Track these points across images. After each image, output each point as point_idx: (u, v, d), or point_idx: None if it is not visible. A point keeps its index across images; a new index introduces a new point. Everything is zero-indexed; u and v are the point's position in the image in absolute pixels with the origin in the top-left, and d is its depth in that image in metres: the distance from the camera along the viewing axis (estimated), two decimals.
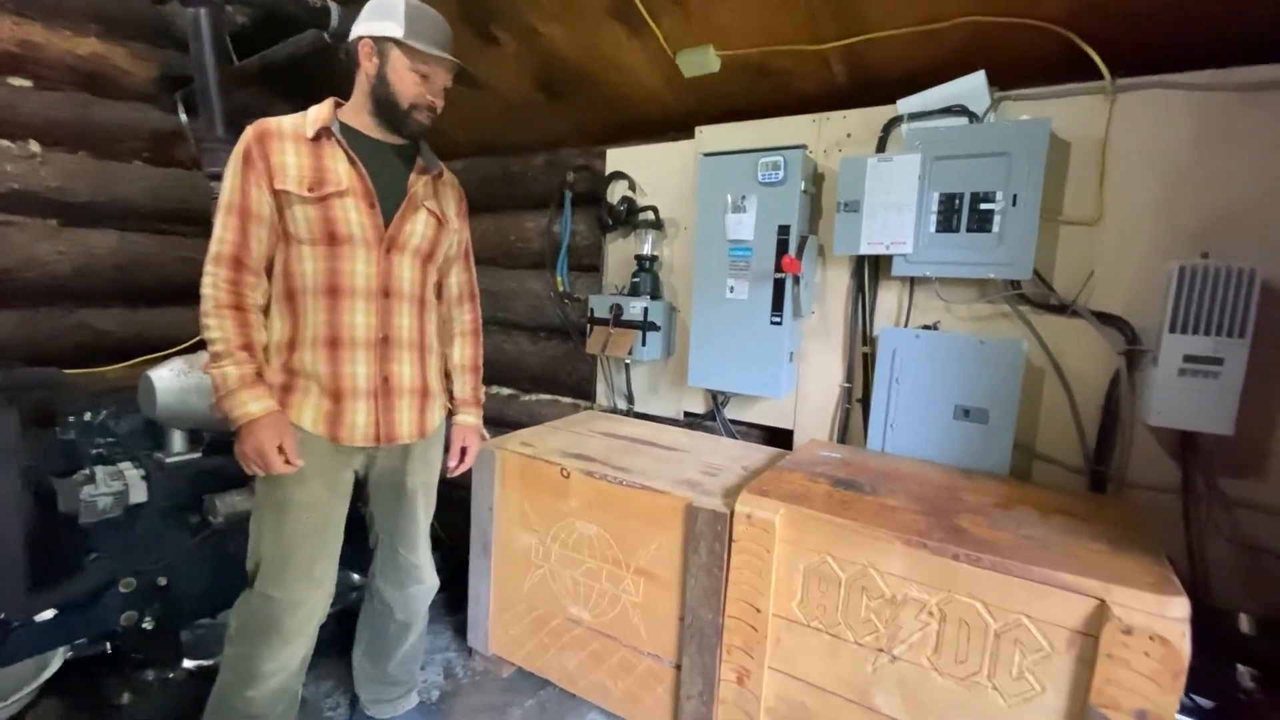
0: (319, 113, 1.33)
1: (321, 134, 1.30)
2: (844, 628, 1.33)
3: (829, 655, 1.36)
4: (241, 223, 1.26)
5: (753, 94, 2.16)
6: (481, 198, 3.04)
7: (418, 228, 1.41)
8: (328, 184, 1.29)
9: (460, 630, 2.06)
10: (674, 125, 2.36)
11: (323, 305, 1.31)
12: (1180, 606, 1.01)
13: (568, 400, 2.84)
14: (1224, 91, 1.50)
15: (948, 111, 1.77)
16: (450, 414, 1.62)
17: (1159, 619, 1.01)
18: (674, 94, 2.29)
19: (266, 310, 1.34)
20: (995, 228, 1.68)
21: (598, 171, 2.57)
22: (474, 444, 1.63)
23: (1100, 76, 1.60)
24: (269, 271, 1.32)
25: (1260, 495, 1.52)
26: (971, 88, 1.74)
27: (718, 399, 2.26)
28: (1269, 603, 1.52)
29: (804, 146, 1.93)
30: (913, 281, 1.90)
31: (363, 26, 1.32)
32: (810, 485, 1.51)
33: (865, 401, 1.96)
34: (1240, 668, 1.58)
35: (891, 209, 1.80)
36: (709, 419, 2.32)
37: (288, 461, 1.26)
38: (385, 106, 1.34)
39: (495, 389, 3.04)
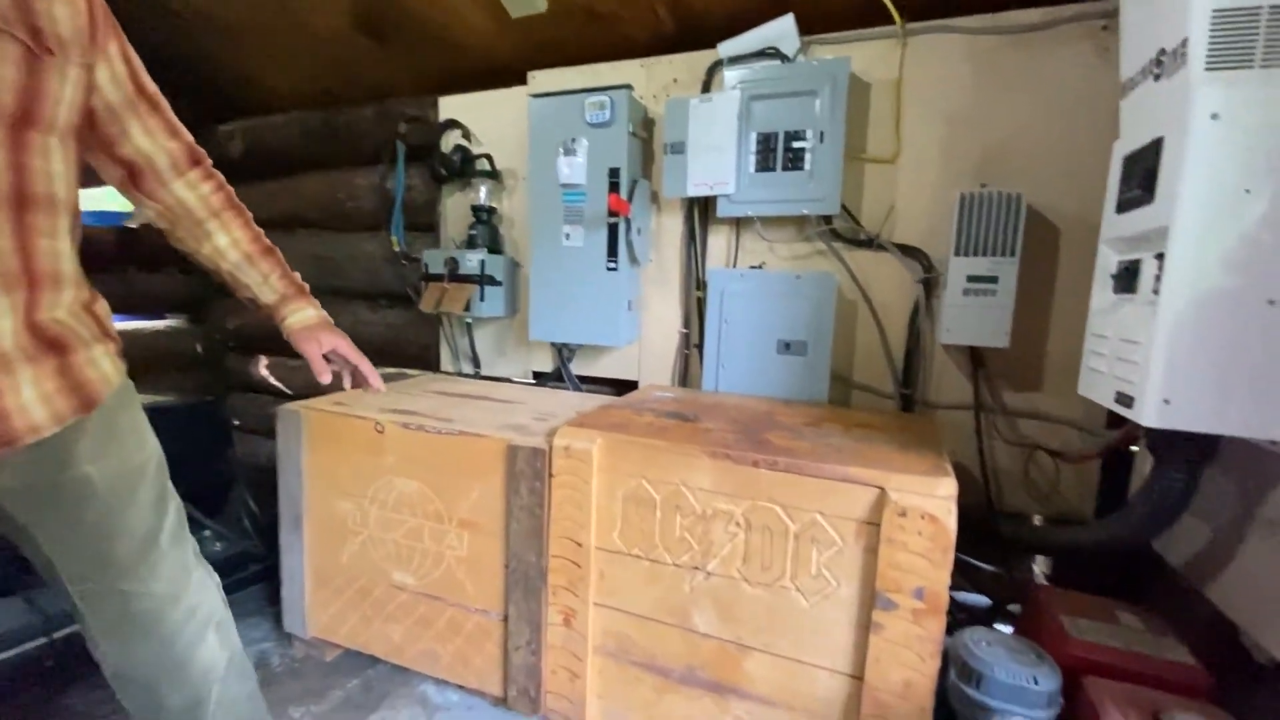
0: None
1: None
2: (661, 550, 1.31)
3: (649, 582, 1.33)
4: None
5: (583, 39, 2.11)
6: (306, 154, 2.78)
7: None
8: None
9: (281, 617, 1.85)
10: (507, 72, 2.26)
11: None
12: (947, 486, 1.07)
13: (414, 372, 2.66)
14: (996, 34, 1.64)
15: (762, 55, 1.81)
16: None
17: (929, 499, 1.07)
18: (505, 39, 2.19)
19: None
20: (807, 165, 1.74)
21: (431, 122, 2.41)
22: (340, 343, 1.14)
23: (893, 21, 1.70)
24: None
25: (1036, 405, 1.68)
26: (782, 30, 1.79)
27: (563, 354, 2.20)
28: (1052, 503, 1.69)
29: (629, 86, 1.91)
30: (738, 224, 1.94)
31: None
32: (633, 418, 1.48)
33: (701, 349, 1.97)
34: (1037, 558, 1.76)
35: (714, 150, 1.82)
36: (557, 377, 2.25)
37: None
38: None
39: None
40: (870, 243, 1.79)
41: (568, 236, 2.00)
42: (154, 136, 0.95)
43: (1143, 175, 1.04)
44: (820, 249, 1.86)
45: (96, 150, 0.93)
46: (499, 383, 2.21)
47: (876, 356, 1.83)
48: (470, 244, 2.20)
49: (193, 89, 2.81)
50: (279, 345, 1.92)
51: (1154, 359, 0.96)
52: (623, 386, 2.18)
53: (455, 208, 2.39)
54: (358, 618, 1.67)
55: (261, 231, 1.10)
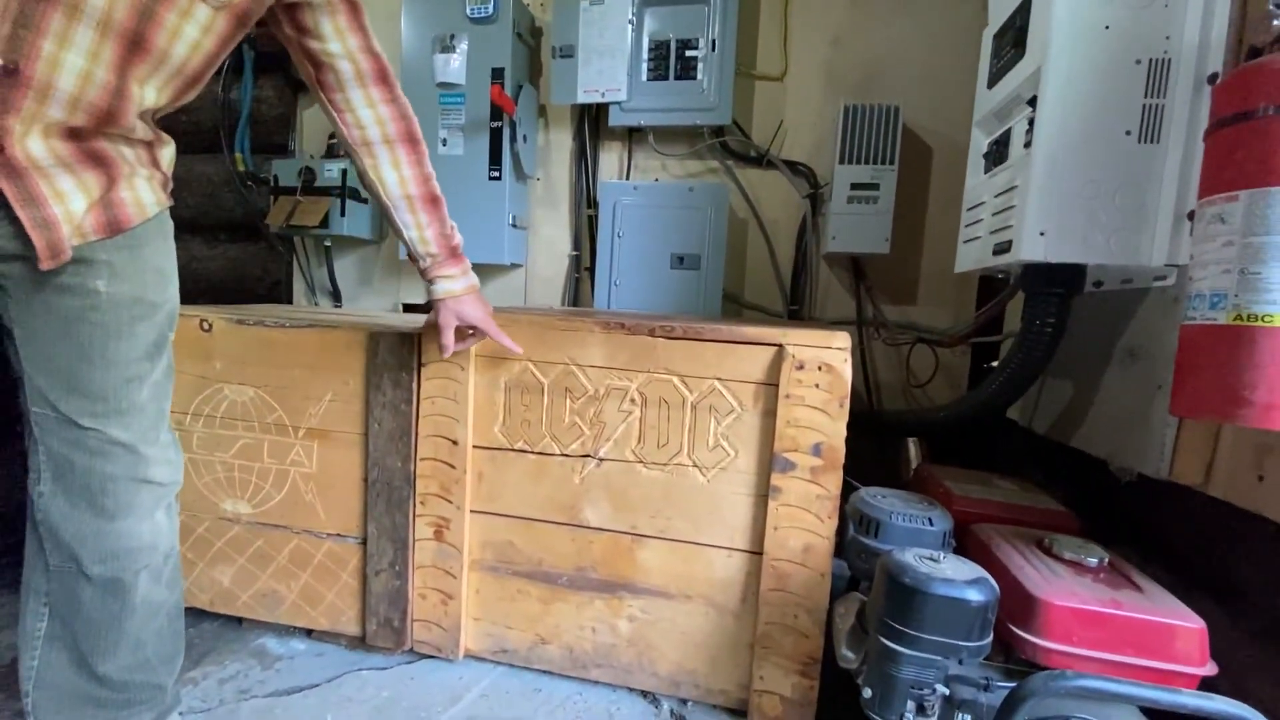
0: None
1: None
2: (550, 440, 1.18)
3: (536, 478, 1.19)
4: None
5: None
6: None
7: None
8: None
9: None
10: None
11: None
12: (842, 339, 1.04)
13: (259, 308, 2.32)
14: None
15: None
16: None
17: (825, 350, 1.03)
18: None
19: None
20: (699, 74, 1.71)
21: None
22: (481, 316, 1.06)
23: None
24: None
25: (912, 317, 1.75)
26: None
27: None
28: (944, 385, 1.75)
29: None
30: (630, 137, 1.87)
31: None
32: (518, 314, 1.34)
33: (593, 270, 1.87)
34: (911, 444, 1.78)
35: (605, 55, 1.74)
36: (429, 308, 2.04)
37: None
38: None
39: None
40: (760, 160, 1.79)
41: (444, 143, 1.83)
42: (344, 39, 0.91)
43: (1014, 36, 1.09)
44: (713, 166, 1.83)
45: (291, 41, 0.91)
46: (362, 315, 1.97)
47: (766, 275, 1.83)
48: (330, 153, 1.95)
49: None
50: None
51: (1030, 197, 0.99)
52: None
53: (313, 121, 2.13)
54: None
55: (434, 175, 1.03)
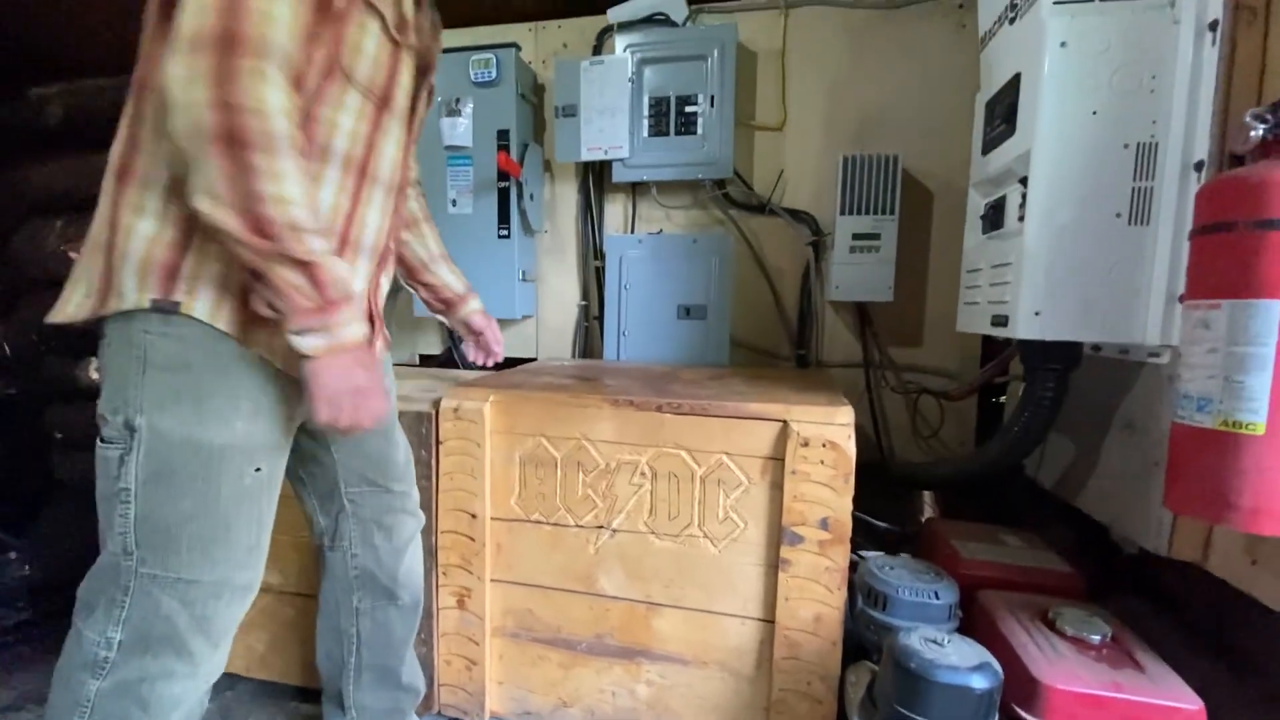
0: None
1: None
2: (564, 512, 1.22)
3: (552, 548, 1.24)
4: (314, 10, 0.72)
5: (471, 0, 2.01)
6: None
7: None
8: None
9: None
10: None
11: (348, 187, 0.84)
12: (845, 414, 1.08)
13: None
14: (868, 9, 1.73)
15: (651, 20, 1.81)
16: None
17: (829, 426, 1.06)
18: None
19: None
20: (699, 129, 1.75)
21: None
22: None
23: None
24: None
25: (917, 359, 1.77)
26: None
27: (453, 333, 2.05)
28: (935, 449, 1.78)
29: (515, 45, 1.83)
30: (634, 190, 1.91)
31: None
32: (529, 379, 1.39)
33: (602, 318, 1.91)
34: (928, 511, 1.83)
35: (607, 113, 1.78)
36: (448, 359, 2.10)
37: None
38: None
39: None
40: (762, 208, 1.82)
41: (454, 203, 1.88)
42: (415, 161, 1.08)
43: (1005, 111, 1.11)
44: (716, 215, 1.87)
45: None
46: None
47: (772, 320, 1.86)
48: None
49: None
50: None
51: (1024, 276, 1.02)
52: (520, 364, 2.07)
53: None
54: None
55: None
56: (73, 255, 2.64)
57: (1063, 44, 0.97)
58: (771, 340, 1.87)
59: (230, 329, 0.76)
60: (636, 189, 1.90)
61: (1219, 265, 0.74)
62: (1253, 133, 0.74)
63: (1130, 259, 0.97)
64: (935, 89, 1.69)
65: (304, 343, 0.72)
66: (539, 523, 1.24)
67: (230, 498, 0.79)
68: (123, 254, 0.75)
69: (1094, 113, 0.97)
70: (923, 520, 1.86)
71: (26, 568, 1.68)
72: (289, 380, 0.82)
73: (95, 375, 2.67)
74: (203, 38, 0.64)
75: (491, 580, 1.27)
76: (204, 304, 0.75)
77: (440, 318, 1.30)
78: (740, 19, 1.80)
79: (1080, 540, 1.23)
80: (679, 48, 1.73)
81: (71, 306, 0.78)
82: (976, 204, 1.30)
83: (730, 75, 1.70)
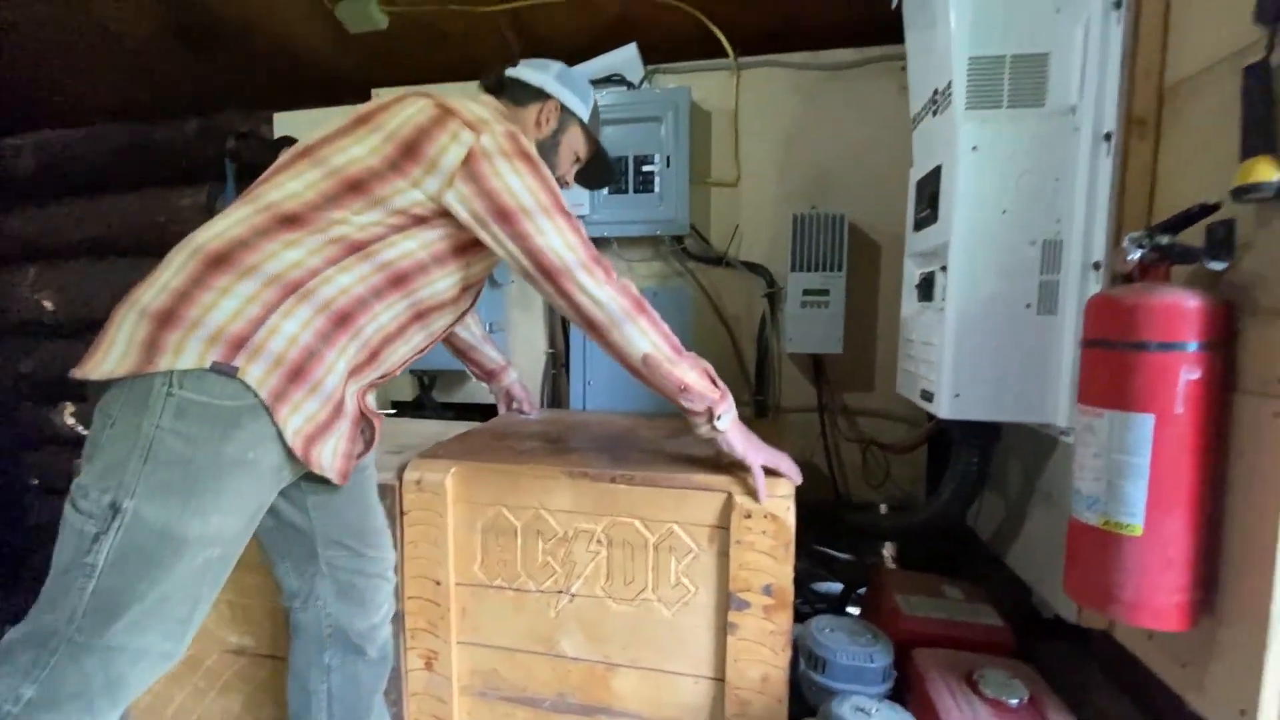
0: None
1: None
2: (525, 579, 1.28)
3: (515, 612, 1.29)
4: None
5: (430, 58, 2.06)
6: (117, 172, 2.47)
7: None
8: None
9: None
10: (349, 88, 2.15)
11: (418, 327, 1.09)
12: (784, 486, 1.14)
13: None
14: (816, 70, 1.81)
15: (609, 81, 1.87)
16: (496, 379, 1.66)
17: (769, 499, 1.13)
18: (347, 55, 2.08)
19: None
20: (656, 188, 1.81)
21: (266, 138, 2.23)
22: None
23: (728, 55, 1.82)
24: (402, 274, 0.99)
25: (869, 403, 1.85)
26: (626, 59, 1.85)
27: (424, 381, 2.10)
28: (889, 491, 1.86)
29: None
30: (597, 243, 1.96)
31: (556, 88, 1.21)
32: (492, 444, 1.44)
33: (568, 368, 1.97)
34: (884, 545, 1.91)
35: None
36: (419, 406, 2.14)
37: None
38: None
39: None
40: (720, 261, 1.89)
41: None
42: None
43: (929, 197, 1.19)
44: (676, 267, 1.93)
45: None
46: None
47: (732, 368, 1.93)
48: None
49: None
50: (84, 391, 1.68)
51: (945, 359, 1.09)
52: (489, 412, 2.11)
53: None
54: (189, 691, 1.47)
55: None
56: (46, 303, 2.66)
57: (974, 148, 1.04)
58: (732, 387, 1.92)
59: (268, 399, 0.85)
60: (600, 243, 1.95)
61: (1101, 377, 0.82)
62: (1130, 255, 0.81)
63: (1040, 346, 1.05)
64: (882, 146, 1.77)
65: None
66: (501, 588, 1.30)
67: (179, 577, 0.84)
68: (193, 322, 0.83)
69: (1004, 211, 1.04)
70: (882, 555, 1.94)
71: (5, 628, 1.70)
72: (273, 474, 0.91)
73: (71, 420, 2.68)
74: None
75: (458, 642, 1.33)
76: (257, 371, 0.85)
77: (483, 383, 1.65)
78: (695, 79, 1.87)
79: (1011, 595, 1.31)
80: (635, 110, 1.79)
81: (110, 364, 0.83)
82: (912, 272, 1.37)
83: (684, 136, 1.76)
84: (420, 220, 0.97)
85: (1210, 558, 0.79)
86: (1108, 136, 0.98)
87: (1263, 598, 0.72)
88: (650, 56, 1.88)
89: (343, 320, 0.93)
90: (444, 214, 0.97)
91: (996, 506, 1.39)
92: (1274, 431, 0.71)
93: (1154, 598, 0.78)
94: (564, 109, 1.23)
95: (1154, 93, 0.94)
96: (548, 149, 1.24)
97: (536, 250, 0.98)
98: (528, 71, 1.22)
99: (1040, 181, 1.02)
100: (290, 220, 0.90)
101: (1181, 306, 0.76)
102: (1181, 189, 0.89)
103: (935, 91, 1.16)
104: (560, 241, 0.98)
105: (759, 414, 1.90)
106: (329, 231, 0.91)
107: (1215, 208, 0.77)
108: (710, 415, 1.08)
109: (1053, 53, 1.01)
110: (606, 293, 1.01)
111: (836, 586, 1.90)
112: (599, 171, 1.39)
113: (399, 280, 0.98)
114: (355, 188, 0.92)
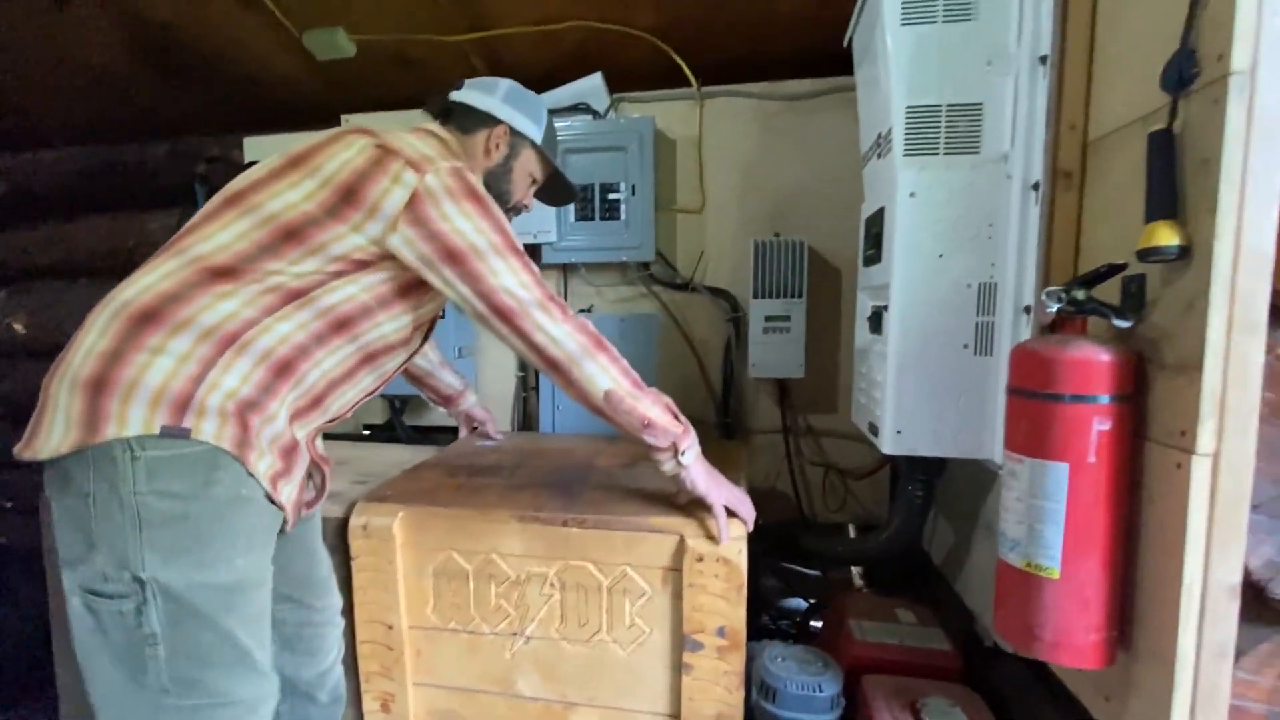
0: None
1: None
2: (479, 622, 1.28)
3: (470, 653, 1.30)
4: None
5: (397, 84, 2.07)
6: (86, 196, 2.46)
7: None
8: None
9: None
10: (319, 113, 2.16)
11: (366, 371, 1.08)
12: (738, 530, 1.13)
13: None
14: (776, 100, 1.84)
15: (575, 109, 1.89)
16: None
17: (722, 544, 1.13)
18: (315, 81, 2.09)
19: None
20: (622, 215, 1.83)
21: (236, 162, 2.23)
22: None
23: (691, 84, 1.85)
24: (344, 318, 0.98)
25: (833, 425, 1.88)
26: (591, 87, 1.87)
27: (395, 405, 2.10)
28: (852, 511, 1.89)
29: None
30: (565, 269, 1.99)
31: (505, 111, 1.16)
32: (444, 480, 1.44)
33: (538, 391, 1.98)
34: (853, 568, 1.92)
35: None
36: (390, 429, 2.15)
37: None
38: (492, 194, 1.07)
39: None
40: (686, 286, 1.91)
41: None
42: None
43: (875, 236, 1.22)
44: (643, 292, 1.95)
45: None
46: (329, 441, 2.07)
47: (699, 390, 1.95)
48: None
49: None
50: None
51: (888, 396, 1.12)
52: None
53: None
54: None
55: None
56: (17, 326, 2.64)
57: (912, 194, 1.07)
58: (699, 409, 1.96)
59: (233, 449, 0.83)
60: (567, 268, 1.98)
61: (1021, 425, 0.84)
62: (1049, 308, 0.84)
63: (977, 386, 1.07)
64: (841, 174, 1.79)
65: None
66: (456, 630, 1.30)
67: (244, 623, 0.87)
68: (130, 385, 0.79)
69: (940, 255, 1.07)
70: (850, 572, 1.96)
71: None
72: (267, 504, 0.91)
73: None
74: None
75: (414, 684, 1.33)
76: (210, 427, 0.82)
77: (442, 409, 1.62)
78: (660, 108, 1.89)
79: (958, 621, 1.34)
80: (600, 139, 1.82)
81: (55, 440, 0.79)
82: (865, 304, 1.40)
83: (649, 165, 1.79)
84: (362, 265, 0.94)
85: (1126, 598, 0.82)
86: (1035, 186, 1.01)
87: (1169, 637, 0.75)
88: (616, 85, 1.90)
89: (284, 369, 0.91)
90: (388, 257, 0.94)
91: (946, 533, 1.42)
92: (1176, 481, 0.74)
93: (1072, 637, 0.81)
94: (514, 132, 1.19)
95: (1078, 146, 0.97)
96: (499, 176, 1.20)
97: (490, 291, 0.95)
98: (474, 95, 1.16)
99: (975, 227, 1.05)
100: (222, 273, 0.86)
101: (1094, 361, 0.78)
102: (1104, 240, 0.93)
103: (879, 135, 1.19)
104: (514, 281, 0.96)
105: (726, 436, 1.92)
106: (265, 281, 0.88)
107: (1122, 268, 0.80)
108: (675, 451, 1.06)
109: (986, 103, 1.04)
110: (564, 330, 0.98)
111: (800, 602, 1.92)
112: (559, 190, 1.35)
113: (342, 325, 0.96)
114: (291, 236, 0.89)
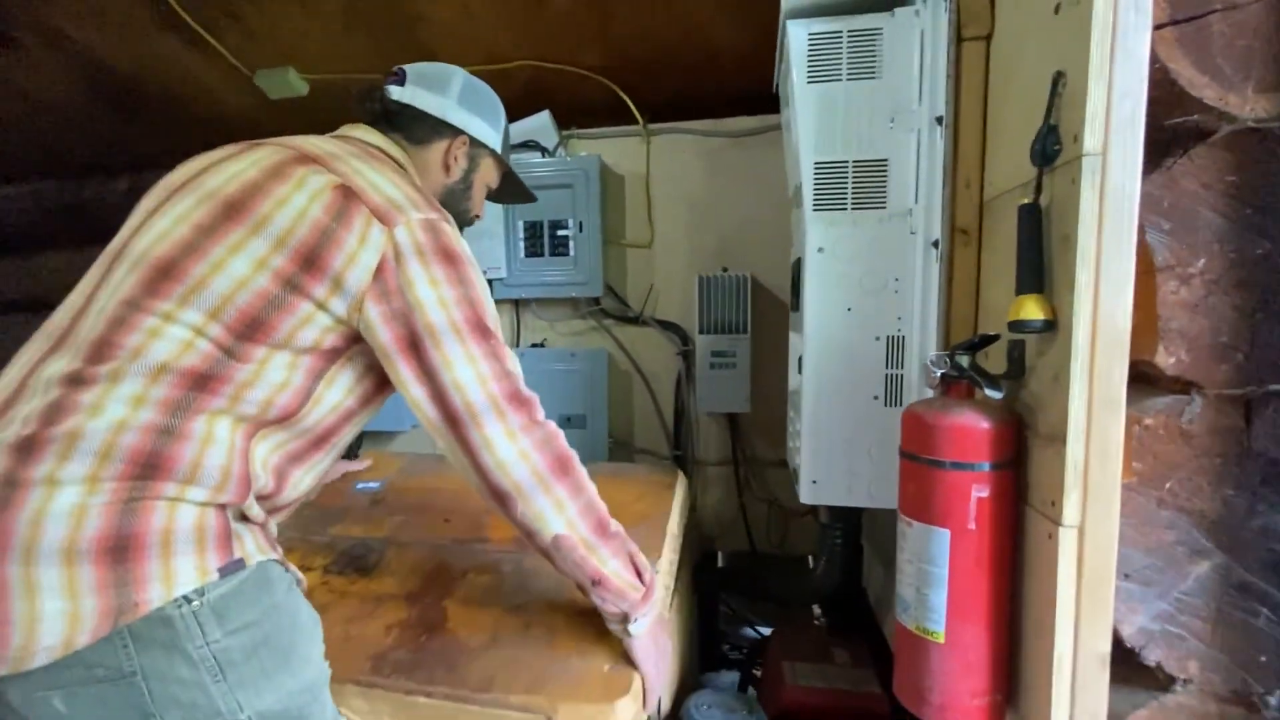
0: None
1: None
2: None
3: None
4: None
5: (356, 118, 2.09)
6: (47, 231, 2.47)
7: None
8: None
9: None
10: None
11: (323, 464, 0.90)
12: (625, 709, 0.88)
13: None
14: (721, 137, 1.86)
15: (525, 146, 1.91)
16: None
17: None
18: (271, 119, 2.11)
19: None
20: (571, 251, 1.85)
21: None
22: None
23: (638, 121, 1.87)
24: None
25: (778, 457, 1.89)
26: (540, 125, 1.89)
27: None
28: (794, 548, 1.89)
29: None
30: (518, 304, 2.00)
31: (463, 118, 1.02)
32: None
33: None
34: (814, 608, 1.93)
35: (484, 235, 1.87)
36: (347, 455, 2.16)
37: None
38: (451, 212, 0.94)
39: None
40: (637, 320, 1.93)
41: None
42: None
43: (796, 283, 1.23)
44: (595, 326, 1.97)
45: None
46: None
47: (652, 422, 1.97)
48: None
49: None
50: None
51: (803, 451, 1.13)
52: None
53: None
54: None
55: None
56: None
57: (820, 249, 1.09)
58: (652, 441, 1.97)
59: (271, 551, 0.77)
60: (519, 304, 1.99)
61: (910, 488, 0.86)
62: (935, 373, 0.86)
63: (888, 437, 1.09)
64: (784, 209, 1.81)
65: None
66: None
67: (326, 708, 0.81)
68: (164, 537, 0.66)
69: (848, 309, 1.09)
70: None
71: None
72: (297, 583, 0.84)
73: None
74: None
75: None
76: (250, 545, 0.74)
77: None
78: (608, 145, 1.91)
79: (885, 662, 1.35)
80: (548, 177, 1.83)
81: (58, 634, 0.61)
82: (797, 345, 1.42)
83: (596, 203, 1.81)
84: (334, 355, 0.79)
85: (1012, 663, 0.83)
86: (935, 244, 1.03)
87: (1045, 705, 0.76)
88: (565, 121, 1.93)
89: (280, 477, 0.81)
90: (358, 339, 0.80)
91: (879, 573, 1.44)
92: (1048, 551, 0.76)
93: (958, 700, 0.82)
94: (474, 142, 1.04)
95: (975, 205, 0.99)
96: (459, 194, 1.06)
97: (441, 391, 0.77)
98: (423, 95, 0.98)
99: (883, 280, 1.07)
100: (199, 385, 0.71)
101: (974, 428, 0.80)
102: (1000, 300, 0.94)
103: (796, 187, 1.21)
104: (470, 374, 0.78)
105: (680, 467, 1.93)
106: (241, 402, 0.73)
107: (994, 338, 0.82)
108: (624, 619, 0.88)
109: (891, 159, 1.06)
110: (517, 450, 0.79)
111: (754, 633, 1.94)
112: (513, 190, 1.21)
113: (322, 439, 0.85)
114: (254, 328, 0.72)
